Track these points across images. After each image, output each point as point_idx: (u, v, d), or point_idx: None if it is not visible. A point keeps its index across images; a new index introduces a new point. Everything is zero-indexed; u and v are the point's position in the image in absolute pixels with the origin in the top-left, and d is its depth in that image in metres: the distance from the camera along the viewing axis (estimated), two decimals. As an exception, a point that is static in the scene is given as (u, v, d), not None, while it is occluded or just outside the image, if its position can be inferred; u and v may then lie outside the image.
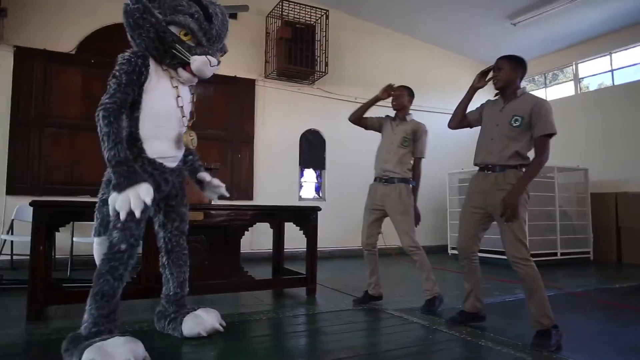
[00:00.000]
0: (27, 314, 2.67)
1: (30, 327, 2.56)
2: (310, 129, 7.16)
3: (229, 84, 6.56)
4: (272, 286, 3.86)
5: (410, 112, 3.54)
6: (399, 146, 3.38)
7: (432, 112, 7.68)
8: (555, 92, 8.33)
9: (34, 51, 5.53)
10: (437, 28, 7.75)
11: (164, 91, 2.20)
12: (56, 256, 4.53)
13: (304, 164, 7.13)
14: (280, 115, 6.88)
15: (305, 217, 3.68)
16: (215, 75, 6.98)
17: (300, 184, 7.14)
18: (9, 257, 4.95)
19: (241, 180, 6.49)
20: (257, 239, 5.85)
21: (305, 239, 3.68)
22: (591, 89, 7.84)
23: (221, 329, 2.42)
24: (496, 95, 2.81)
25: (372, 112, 3.61)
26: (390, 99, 3.50)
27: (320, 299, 3.60)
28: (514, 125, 2.60)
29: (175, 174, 2.33)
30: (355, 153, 7.17)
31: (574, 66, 7.93)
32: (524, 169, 2.60)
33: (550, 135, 2.55)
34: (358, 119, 3.59)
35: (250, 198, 6.42)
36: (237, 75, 6.60)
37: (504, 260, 5.92)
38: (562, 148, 7.59)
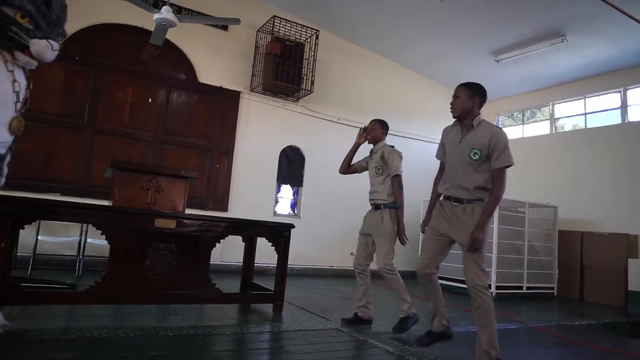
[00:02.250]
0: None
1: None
2: (291, 145, 7.19)
3: (213, 94, 6.56)
4: (239, 301, 3.83)
5: (385, 140, 3.72)
6: (376, 175, 3.57)
7: (413, 138, 7.83)
8: (532, 129, 8.59)
9: (17, 43, 5.44)
10: (423, 58, 7.95)
11: None
12: (18, 254, 4.39)
13: (281, 179, 7.14)
14: (262, 129, 6.90)
15: (279, 233, 3.67)
16: (200, 84, 7.00)
17: (277, 199, 7.13)
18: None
19: (217, 190, 6.45)
20: (227, 250, 5.80)
21: (277, 255, 3.67)
22: (566, 129, 8.11)
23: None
24: (455, 123, 2.81)
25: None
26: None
27: (287, 317, 3.57)
28: (474, 158, 2.61)
29: (4, 161, 2.22)
30: (334, 174, 7.13)
31: (550, 106, 8.21)
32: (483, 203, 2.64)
33: (508, 166, 2.58)
34: (346, 168, 3.80)
35: (225, 209, 6.37)
36: (223, 86, 6.61)
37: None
38: (534, 184, 7.83)
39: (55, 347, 2.29)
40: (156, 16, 4.61)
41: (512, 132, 8.96)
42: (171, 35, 5.72)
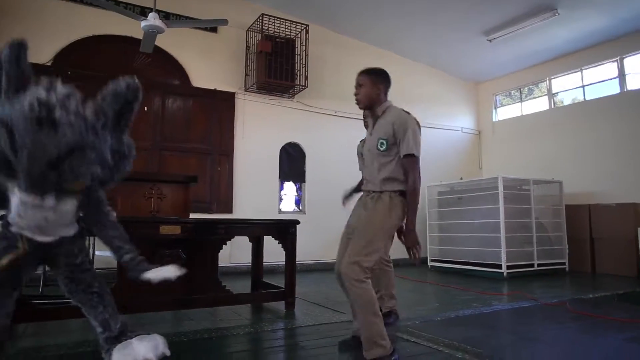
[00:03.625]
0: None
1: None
2: (290, 142, 7.18)
3: (208, 97, 6.55)
4: (251, 300, 3.83)
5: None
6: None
7: (411, 125, 7.81)
8: (531, 106, 8.54)
9: (8, 62, 5.43)
10: (415, 44, 7.90)
11: None
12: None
13: (284, 176, 7.13)
14: (260, 128, 6.88)
15: (284, 230, 3.67)
16: (194, 88, 6.98)
17: (280, 197, 7.12)
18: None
19: (220, 193, 6.45)
20: (236, 252, 5.80)
21: (284, 252, 3.66)
22: (565, 103, 8.06)
23: (155, 359, 2.03)
24: (365, 117, 2.62)
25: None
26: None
27: (299, 313, 3.57)
28: (381, 149, 2.42)
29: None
30: (335, 166, 7.19)
31: (547, 81, 8.15)
32: (404, 194, 2.41)
33: (412, 155, 2.36)
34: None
35: (230, 211, 6.37)
36: (217, 89, 6.59)
37: (485, 272, 6.02)
38: (537, 161, 7.80)
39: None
40: (143, 23, 4.59)
41: (511, 111, 8.91)
42: (161, 42, 5.70)
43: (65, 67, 5.65)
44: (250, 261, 4.25)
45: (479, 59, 8.22)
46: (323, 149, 7.29)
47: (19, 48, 1.78)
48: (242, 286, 4.27)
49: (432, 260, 7.07)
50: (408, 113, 2.51)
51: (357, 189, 3.53)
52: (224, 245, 3.42)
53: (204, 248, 3.29)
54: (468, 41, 7.51)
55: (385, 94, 2.56)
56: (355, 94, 2.56)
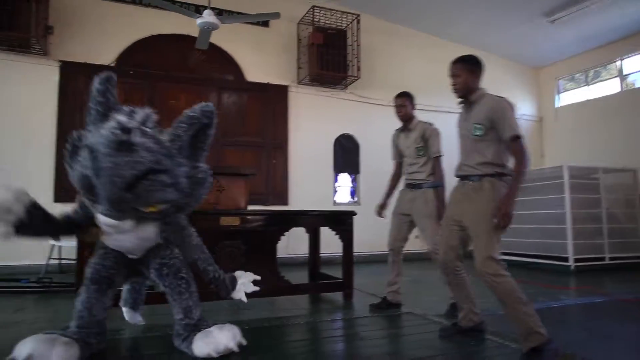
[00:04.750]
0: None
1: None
2: (344, 134, 7.15)
3: (262, 90, 6.63)
4: (309, 291, 3.85)
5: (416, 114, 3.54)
6: (417, 156, 3.40)
7: (468, 113, 7.55)
8: (598, 90, 8.01)
9: (77, 65, 5.77)
10: (471, 29, 7.60)
11: None
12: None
13: (338, 168, 7.12)
14: (313, 121, 6.90)
15: (341, 221, 3.65)
16: (248, 83, 7.09)
17: (335, 189, 7.12)
18: (57, 261, 5.14)
19: (276, 185, 6.53)
20: (293, 243, 5.85)
21: (341, 243, 3.65)
22: (638, 85, 7.49)
23: (236, 348, 2.13)
24: (460, 103, 2.60)
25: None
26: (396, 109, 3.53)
27: (358, 304, 3.55)
28: (477, 134, 2.42)
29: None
30: (389, 157, 7.10)
31: (618, 62, 7.60)
32: (504, 177, 2.39)
33: (517, 136, 2.33)
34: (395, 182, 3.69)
35: (286, 203, 6.45)
36: (270, 82, 6.67)
37: (549, 264, 5.73)
38: (607, 148, 7.31)
39: (143, 343, 2.40)
40: (199, 20, 4.71)
41: (576, 96, 8.40)
42: (215, 38, 5.82)
43: (127, 67, 5.91)
44: (307, 252, 4.27)
45: (539, 42, 7.79)
46: (377, 139, 7.17)
47: (107, 82, 1.97)
48: (299, 277, 4.29)
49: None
50: (502, 97, 2.49)
51: (390, 192, 3.62)
52: (281, 237, 3.44)
53: (263, 239, 3.33)
54: (527, 23, 7.14)
55: (480, 80, 2.56)
56: (453, 84, 2.55)
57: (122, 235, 2.04)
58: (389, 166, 7.29)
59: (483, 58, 2.71)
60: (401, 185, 3.59)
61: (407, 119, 3.47)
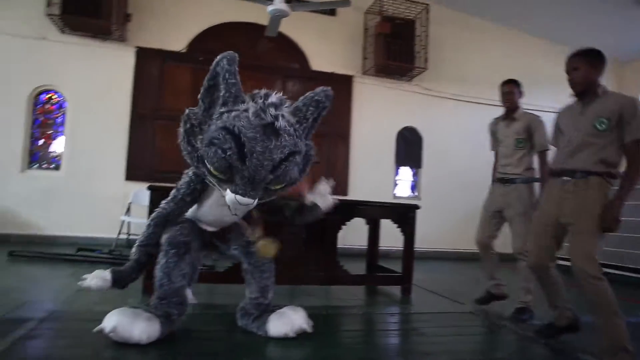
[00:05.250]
0: (143, 289, 2.88)
1: (146, 299, 2.73)
2: (407, 126, 7.01)
3: (326, 80, 6.59)
4: (368, 282, 3.82)
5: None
6: (515, 148, 3.18)
7: (542, 110, 7.11)
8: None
9: (151, 51, 6.03)
10: (549, 20, 7.15)
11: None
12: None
13: (399, 161, 7.00)
14: (377, 112, 6.81)
15: (404, 214, 3.57)
16: (313, 72, 7.09)
17: (395, 182, 7.01)
18: (126, 236, 5.44)
19: (337, 175, 6.52)
20: (350, 234, 5.83)
21: (402, 237, 3.57)
22: None
23: (309, 329, 2.19)
24: (576, 97, 2.41)
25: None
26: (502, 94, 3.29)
27: (416, 299, 3.48)
28: (600, 128, 2.23)
29: None
30: (455, 152, 6.90)
31: None
32: (612, 179, 2.24)
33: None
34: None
35: (345, 193, 6.43)
36: (335, 72, 6.64)
37: (629, 277, 5.30)
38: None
39: (204, 319, 2.48)
40: (270, 8, 4.75)
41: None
42: (282, 26, 5.86)
43: (197, 54, 6.10)
44: (363, 244, 4.24)
45: (629, 33, 7.18)
46: (441, 134, 7.01)
47: (234, 62, 1.99)
48: (355, 268, 4.26)
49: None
50: (633, 97, 2.32)
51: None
52: (342, 226, 3.43)
53: (324, 227, 3.32)
54: (615, 12, 6.60)
55: (601, 76, 2.37)
56: (571, 78, 2.39)
57: (240, 212, 2.12)
58: (453, 161, 7.12)
59: (560, 52, 2.54)
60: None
61: (513, 108, 3.25)
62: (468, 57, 7.29)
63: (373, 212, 3.77)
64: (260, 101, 1.90)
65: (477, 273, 5.14)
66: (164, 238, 2.10)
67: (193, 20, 6.25)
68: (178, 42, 6.17)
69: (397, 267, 3.70)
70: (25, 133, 5.73)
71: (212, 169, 1.92)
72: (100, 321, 1.88)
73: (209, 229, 2.28)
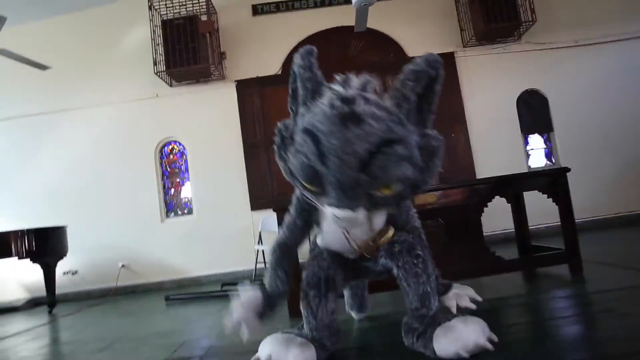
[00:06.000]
0: (289, 311, 2.82)
1: (296, 322, 2.66)
2: (527, 90, 6.32)
3: (426, 63, 6.26)
4: (527, 266, 3.35)
5: None
6: None
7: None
8: None
9: (249, 81, 6.27)
10: None
11: None
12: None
13: (526, 130, 6.32)
14: (488, 83, 6.27)
15: (552, 181, 3.10)
16: (410, 59, 6.69)
17: (527, 153, 6.33)
18: (263, 265, 5.59)
19: (460, 159, 6.09)
20: (487, 219, 5.35)
21: (557, 207, 3.09)
22: None
23: (489, 346, 1.67)
24: None
25: None
26: None
27: (590, 276, 2.96)
28: None
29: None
30: (588, 105, 6.07)
31: None
32: None
33: None
34: None
35: (473, 177, 5.96)
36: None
37: None
38: None
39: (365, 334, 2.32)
40: (355, 1, 4.59)
41: None
42: (369, 21, 5.66)
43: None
44: (507, 227, 3.80)
45: None
46: (568, 88, 6.21)
47: (309, 55, 1.75)
48: (506, 253, 3.83)
49: None
50: None
51: None
52: (484, 208, 3.08)
53: (464, 213, 3.01)
54: None
55: None
56: None
57: (355, 229, 1.76)
58: (589, 116, 6.25)
59: None
60: None
61: None
62: (582, -5, 6.39)
63: (515, 186, 3.34)
64: (337, 86, 1.57)
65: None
66: (303, 275, 1.91)
67: (282, 41, 6.35)
68: (273, 65, 6.31)
69: (553, 245, 3.22)
70: (159, 185, 6.25)
71: (302, 181, 1.65)
72: (254, 351, 1.82)
73: (351, 256, 1.93)
